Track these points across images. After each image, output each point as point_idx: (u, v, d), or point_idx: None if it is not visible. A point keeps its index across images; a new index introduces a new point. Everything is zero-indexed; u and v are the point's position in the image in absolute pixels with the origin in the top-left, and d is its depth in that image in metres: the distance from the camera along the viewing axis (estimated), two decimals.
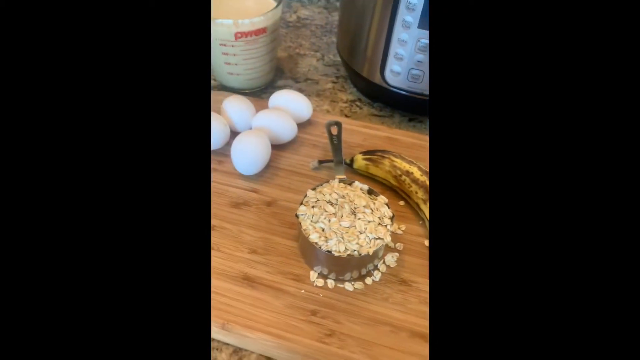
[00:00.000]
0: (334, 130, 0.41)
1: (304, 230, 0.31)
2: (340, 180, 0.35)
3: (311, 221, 0.32)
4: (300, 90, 0.54)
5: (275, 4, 0.48)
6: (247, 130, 0.40)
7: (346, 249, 0.30)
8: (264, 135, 0.40)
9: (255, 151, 0.38)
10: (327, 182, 0.35)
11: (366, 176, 0.41)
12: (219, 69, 0.49)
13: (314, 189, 0.34)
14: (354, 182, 0.35)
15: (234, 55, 0.46)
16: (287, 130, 0.42)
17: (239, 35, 0.44)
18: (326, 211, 0.32)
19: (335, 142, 0.40)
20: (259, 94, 0.53)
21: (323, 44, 0.64)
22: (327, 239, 0.30)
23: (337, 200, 0.33)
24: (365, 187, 0.34)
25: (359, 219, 0.31)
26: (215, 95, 0.49)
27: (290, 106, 0.44)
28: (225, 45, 0.45)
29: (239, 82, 0.50)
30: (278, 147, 0.43)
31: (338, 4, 0.72)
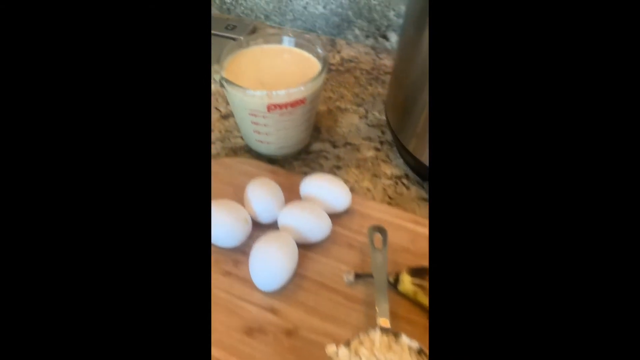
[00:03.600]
0: (378, 242, 0.33)
1: None
2: (383, 331, 0.27)
3: None
4: (339, 158, 0.47)
5: (317, 63, 0.41)
6: (270, 235, 0.33)
7: None
8: (289, 241, 0.33)
9: (277, 265, 0.31)
10: (366, 332, 0.27)
11: (414, 301, 0.33)
12: (247, 134, 0.43)
13: (347, 345, 0.27)
14: (400, 335, 0.27)
15: (265, 125, 0.39)
16: (319, 230, 0.35)
17: (273, 107, 0.37)
18: None
19: (379, 262, 0.32)
20: (290, 160, 0.46)
21: (368, 96, 0.56)
22: None
23: None
24: (415, 345, 0.27)
25: None
26: (238, 163, 0.42)
27: (325, 195, 0.37)
28: (255, 115, 0.38)
29: (270, 150, 0.43)
30: (306, 246, 0.36)
31: (387, 44, 0.65)
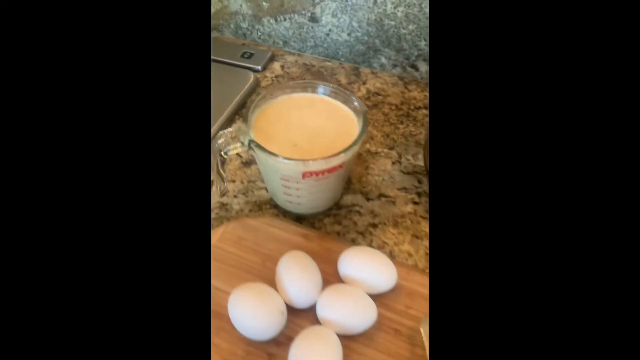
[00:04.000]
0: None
1: None
2: None
3: None
4: (373, 214, 0.43)
5: (351, 115, 0.37)
6: (310, 333, 0.29)
7: None
8: (332, 338, 0.29)
9: None
10: None
11: None
12: (275, 193, 0.39)
13: None
14: None
15: (298, 189, 0.35)
16: (362, 320, 0.30)
17: (308, 175, 0.33)
18: None
19: None
20: (320, 217, 0.42)
21: (399, 136, 0.52)
22: None
23: None
24: None
25: None
26: (265, 225, 0.38)
27: (367, 276, 0.32)
28: (288, 180, 0.34)
29: (300, 209, 0.39)
30: (349, 336, 0.32)
31: (417, 74, 0.60)
